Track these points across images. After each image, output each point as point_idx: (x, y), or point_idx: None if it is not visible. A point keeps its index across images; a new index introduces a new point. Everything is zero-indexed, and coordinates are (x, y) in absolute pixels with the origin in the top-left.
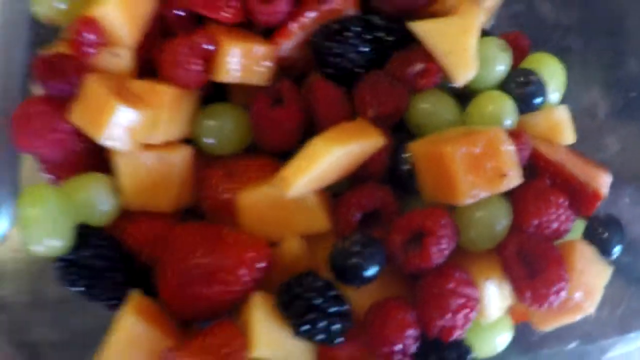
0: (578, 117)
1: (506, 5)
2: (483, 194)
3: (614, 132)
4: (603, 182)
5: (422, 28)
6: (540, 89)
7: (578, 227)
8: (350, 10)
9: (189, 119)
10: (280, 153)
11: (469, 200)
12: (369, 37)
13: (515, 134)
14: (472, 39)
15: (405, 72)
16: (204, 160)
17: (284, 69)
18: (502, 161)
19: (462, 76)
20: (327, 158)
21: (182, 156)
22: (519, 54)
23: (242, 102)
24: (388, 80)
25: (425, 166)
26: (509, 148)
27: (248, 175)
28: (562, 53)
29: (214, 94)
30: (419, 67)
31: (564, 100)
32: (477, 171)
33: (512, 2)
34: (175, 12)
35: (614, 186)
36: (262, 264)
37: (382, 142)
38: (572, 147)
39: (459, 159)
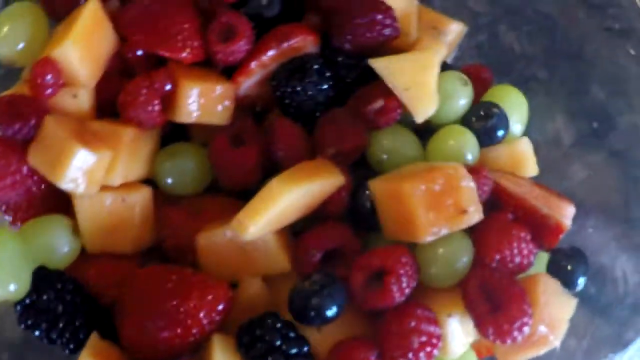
0: (543, 147)
1: (470, 36)
2: (444, 231)
3: (579, 161)
4: (566, 213)
5: (381, 64)
6: (501, 121)
7: (542, 259)
8: (311, 47)
9: (148, 159)
10: (242, 192)
11: (429, 238)
12: (329, 74)
13: (475, 169)
14: (432, 74)
15: (365, 109)
16: (165, 200)
17: (245, 107)
18: (462, 197)
19: (422, 112)
20: (284, 199)
21: (142, 197)
22: (481, 86)
23: (203, 141)
24: (348, 117)
25: (385, 204)
26: (469, 184)
27: (209, 215)
28: (526, 82)
29: (175, 133)
30: (378, 103)
31: (528, 131)
32: (437, 208)
33: (475, 33)
34: (135, 52)
35: (578, 216)
36: (222, 306)
37: (341, 181)
38: (537, 177)
39: (418, 196)
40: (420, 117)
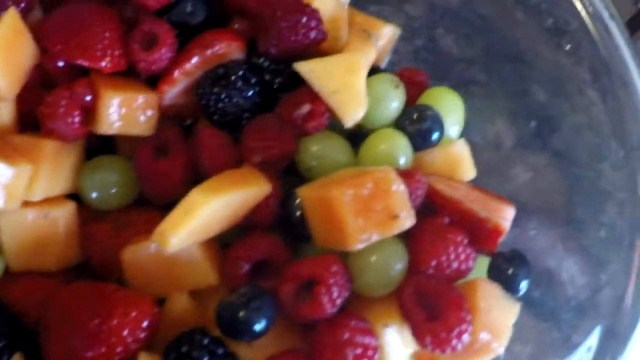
0: (484, 149)
1: (406, 40)
2: (375, 238)
3: (521, 163)
4: (506, 215)
5: (306, 68)
6: (436, 124)
7: (482, 264)
8: (237, 53)
9: (72, 172)
10: (170, 204)
11: (359, 245)
12: (255, 80)
13: (408, 173)
14: (359, 76)
15: (292, 114)
16: (91, 214)
17: (171, 116)
18: (392, 202)
19: (350, 116)
20: (205, 210)
21: (65, 212)
22: (416, 89)
23: (129, 153)
24: (275, 124)
25: (314, 211)
26: (399, 188)
27: (135, 229)
28: (465, 85)
29: (102, 145)
30: (305, 108)
31: (468, 134)
32: (366, 214)
33: (412, 37)
34: (55, 62)
35: (522, 218)
36: (147, 323)
37: (268, 190)
38: (478, 180)
39: (347, 202)
40: (348, 122)
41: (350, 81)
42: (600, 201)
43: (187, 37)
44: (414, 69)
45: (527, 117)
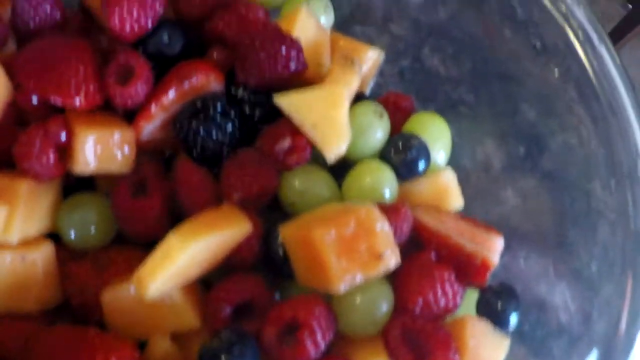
0: (473, 173)
1: (392, 61)
2: (359, 278)
3: (512, 185)
4: (494, 248)
5: (286, 101)
6: (422, 153)
7: (471, 298)
8: (215, 85)
9: (50, 212)
10: (151, 242)
11: (343, 287)
12: (234, 113)
13: (394, 207)
14: (341, 109)
15: (272, 149)
16: (70, 253)
17: (151, 151)
18: (376, 241)
19: (332, 150)
20: (184, 255)
21: (43, 253)
22: (401, 115)
23: (108, 189)
24: (255, 159)
25: (296, 251)
26: (383, 226)
27: (115, 269)
28: (453, 106)
29: (80, 181)
30: (286, 143)
31: (457, 156)
32: (350, 255)
33: (398, 58)
34: (29, 99)
35: (512, 243)
36: None
37: (248, 229)
38: (468, 204)
39: (329, 243)
40: (330, 155)
41: (331, 114)
42: (592, 222)
43: (165, 68)
44: (399, 93)
45: (516, 138)
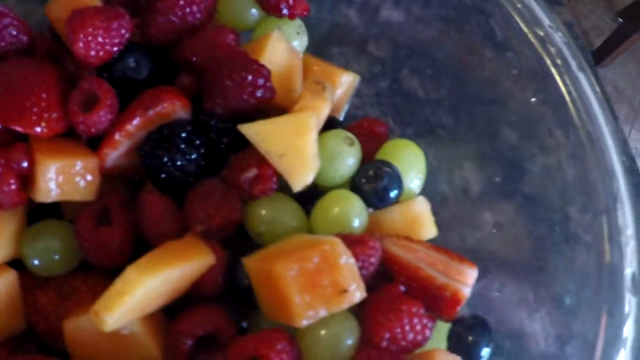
0: (452, 196)
1: (370, 83)
2: (323, 313)
3: (491, 209)
4: (466, 280)
5: (251, 130)
6: (393, 182)
7: (443, 330)
8: (181, 112)
9: (13, 239)
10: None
11: (306, 322)
12: (199, 142)
13: (361, 239)
14: (308, 139)
15: (238, 179)
16: (34, 281)
17: (116, 176)
18: (340, 276)
19: (299, 180)
20: (141, 289)
21: (6, 281)
22: (375, 142)
23: (73, 216)
24: (220, 189)
25: (260, 284)
26: (347, 260)
27: (79, 297)
28: (432, 129)
29: (46, 207)
30: (252, 172)
31: (434, 181)
32: (313, 290)
33: (376, 80)
34: None
35: (491, 268)
36: None
37: (211, 261)
38: (446, 229)
39: (291, 278)
40: (297, 186)
41: (297, 144)
42: (571, 248)
43: (133, 93)
44: (374, 119)
45: (496, 161)
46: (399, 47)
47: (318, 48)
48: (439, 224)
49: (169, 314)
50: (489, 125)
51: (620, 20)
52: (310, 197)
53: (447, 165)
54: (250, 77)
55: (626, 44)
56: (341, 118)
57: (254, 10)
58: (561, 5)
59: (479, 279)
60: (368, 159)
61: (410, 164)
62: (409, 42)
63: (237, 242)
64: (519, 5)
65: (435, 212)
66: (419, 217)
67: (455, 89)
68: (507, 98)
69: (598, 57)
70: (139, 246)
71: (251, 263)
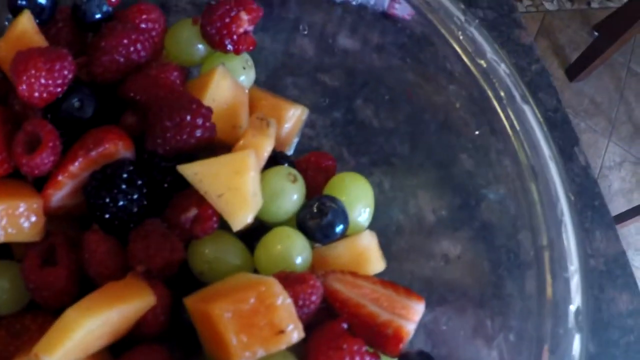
0: (407, 225)
1: (325, 113)
2: (260, 353)
3: (446, 238)
4: (411, 316)
5: (190, 171)
6: (338, 217)
7: None
8: (125, 152)
9: None
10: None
11: None
12: (141, 182)
13: (301, 278)
14: (247, 178)
15: (178, 219)
16: None
17: (62, 216)
18: (277, 317)
19: (238, 220)
20: (82, 330)
21: None
22: (322, 176)
23: (22, 257)
24: (161, 230)
25: (199, 324)
26: (284, 301)
27: (29, 335)
28: (387, 158)
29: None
30: (192, 212)
31: (391, 209)
32: (249, 330)
33: (330, 110)
34: None
35: (446, 298)
36: None
37: (152, 301)
38: (400, 260)
39: (227, 319)
40: (236, 225)
41: (236, 184)
42: (516, 281)
43: (78, 133)
44: (321, 152)
45: (451, 189)
46: (353, 76)
47: (271, 79)
48: (394, 254)
49: (116, 353)
50: (443, 154)
51: (596, 34)
52: (257, 234)
53: (402, 195)
54: (189, 117)
55: (602, 58)
56: (291, 151)
57: (200, 46)
58: (522, 29)
59: (433, 309)
60: (316, 193)
61: (357, 197)
62: (363, 71)
63: (182, 280)
64: (461, 37)
65: (390, 242)
66: (365, 252)
67: (410, 117)
68: (459, 127)
69: (574, 71)
70: (86, 286)
71: (191, 303)
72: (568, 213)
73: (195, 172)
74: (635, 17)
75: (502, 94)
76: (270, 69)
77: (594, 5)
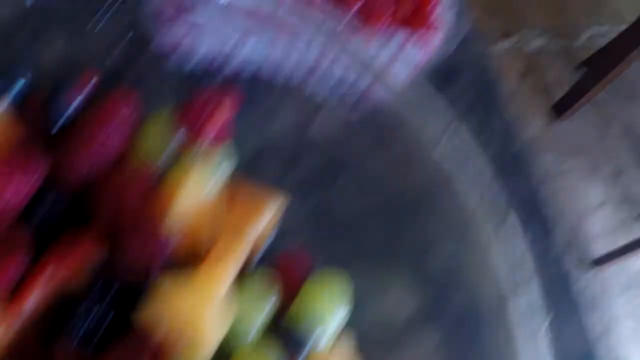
0: (377, 328)
1: (301, 203)
2: None
3: (418, 340)
4: None
5: (145, 316)
6: (310, 330)
7: None
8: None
9: None
10: None
11: None
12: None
13: None
14: (207, 311)
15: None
16: None
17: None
18: None
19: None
20: None
21: None
22: (298, 277)
23: None
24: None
25: None
26: None
27: None
28: (362, 248)
29: None
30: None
31: (360, 307)
32: None
33: (306, 199)
34: None
35: None
36: None
37: None
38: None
39: None
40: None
41: (196, 322)
42: None
43: (47, 241)
44: (297, 252)
45: (426, 284)
46: (331, 163)
47: (249, 166)
48: (367, 354)
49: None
50: (422, 244)
51: (583, 69)
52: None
53: (377, 290)
54: (150, 244)
55: (587, 97)
56: (265, 246)
57: (175, 139)
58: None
59: None
60: (290, 295)
61: (333, 301)
62: (339, 157)
63: None
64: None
65: (364, 340)
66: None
67: (388, 203)
68: (435, 211)
69: (559, 110)
70: None
71: None
72: None
73: (150, 315)
74: (622, 56)
75: None
76: (248, 156)
77: (578, 44)
